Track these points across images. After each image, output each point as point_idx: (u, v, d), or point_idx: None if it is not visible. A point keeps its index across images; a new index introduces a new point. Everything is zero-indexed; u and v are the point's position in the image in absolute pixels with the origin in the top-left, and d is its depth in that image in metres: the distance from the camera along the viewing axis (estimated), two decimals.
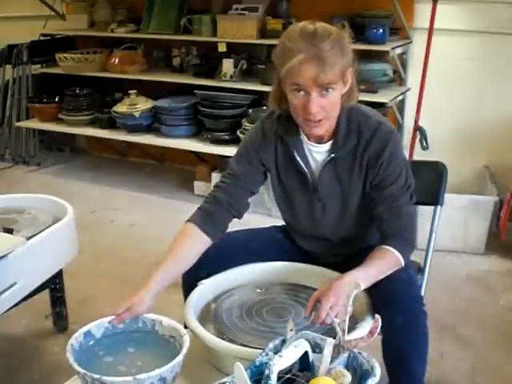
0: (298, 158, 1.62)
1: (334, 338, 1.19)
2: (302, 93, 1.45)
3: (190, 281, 1.65)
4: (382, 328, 1.19)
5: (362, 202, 1.63)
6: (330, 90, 1.44)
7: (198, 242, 1.57)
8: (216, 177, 3.64)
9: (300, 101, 1.47)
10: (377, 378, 1.11)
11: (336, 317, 1.31)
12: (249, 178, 1.66)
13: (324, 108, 1.47)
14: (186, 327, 1.42)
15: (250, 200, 1.69)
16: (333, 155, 1.59)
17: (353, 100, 1.57)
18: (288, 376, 1.15)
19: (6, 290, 1.82)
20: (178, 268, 1.54)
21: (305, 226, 1.73)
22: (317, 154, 1.62)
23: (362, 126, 1.56)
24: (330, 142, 1.59)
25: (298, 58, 1.40)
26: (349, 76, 1.51)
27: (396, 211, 1.57)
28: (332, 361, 1.15)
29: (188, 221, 1.60)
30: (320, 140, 1.60)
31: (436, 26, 3.13)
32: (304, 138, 1.62)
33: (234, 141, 3.60)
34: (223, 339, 1.40)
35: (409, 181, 1.59)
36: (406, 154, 3.06)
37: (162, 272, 1.48)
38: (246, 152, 1.67)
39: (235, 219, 1.66)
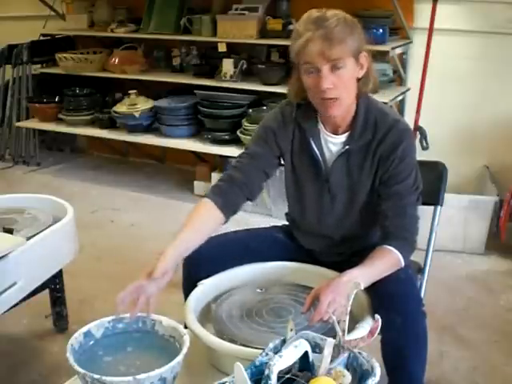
0: (314, 146, 1.63)
1: (334, 337, 1.19)
2: (314, 72, 1.48)
3: (190, 281, 1.65)
4: (381, 328, 1.19)
5: (369, 198, 1.64)
6: (341, 66, 1.47)
7: (214, 215, 1.58)
8: (216, 177, 3.64)
9: (313, 80, 1.49)
10: (377, 378, 1.11)
11: (334, 313, 1.31)
12: (265, 158, 1.66)
13: (336, 86, 1.48)
14: (185, 327, 1.42)
15: (264, 184, 1.70)
16: (347, 147, 1.60)
17: (369, 87, 1.59)
18: (288, 376, 1.15)
19: (6, 290, 1.82)
20: (195, 237, 1.53)
21: (310, 219, 1.73)
22: (332, 144, 1.63)
23: (379, 123, 1.58)
24: (346, 134, 1.61)
25: (305, 37, 1.45)
26: (364, 60, 1.54)
27: (401, 210, 1.58)
28: (332, 361, 1.15)
29: (204, 197, 1.62)
30: (336, 131, 1.62)
31: (436, 26, 3.14)
32: (321, 127, 1.63)
33: (234, 141, 3.60)
34: (223, 339, 1.40)
35: (417, 182, 1.60)
36: None
37: (180, 240, 1.48)
38: (263, 133, 1.68)
39: (240, 212, 1.67)
